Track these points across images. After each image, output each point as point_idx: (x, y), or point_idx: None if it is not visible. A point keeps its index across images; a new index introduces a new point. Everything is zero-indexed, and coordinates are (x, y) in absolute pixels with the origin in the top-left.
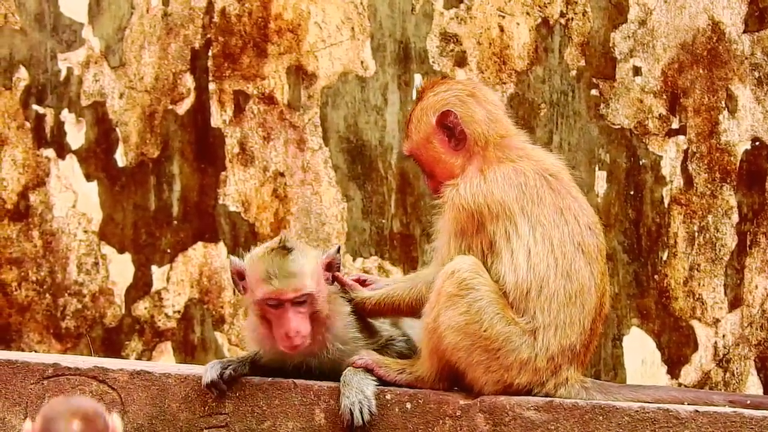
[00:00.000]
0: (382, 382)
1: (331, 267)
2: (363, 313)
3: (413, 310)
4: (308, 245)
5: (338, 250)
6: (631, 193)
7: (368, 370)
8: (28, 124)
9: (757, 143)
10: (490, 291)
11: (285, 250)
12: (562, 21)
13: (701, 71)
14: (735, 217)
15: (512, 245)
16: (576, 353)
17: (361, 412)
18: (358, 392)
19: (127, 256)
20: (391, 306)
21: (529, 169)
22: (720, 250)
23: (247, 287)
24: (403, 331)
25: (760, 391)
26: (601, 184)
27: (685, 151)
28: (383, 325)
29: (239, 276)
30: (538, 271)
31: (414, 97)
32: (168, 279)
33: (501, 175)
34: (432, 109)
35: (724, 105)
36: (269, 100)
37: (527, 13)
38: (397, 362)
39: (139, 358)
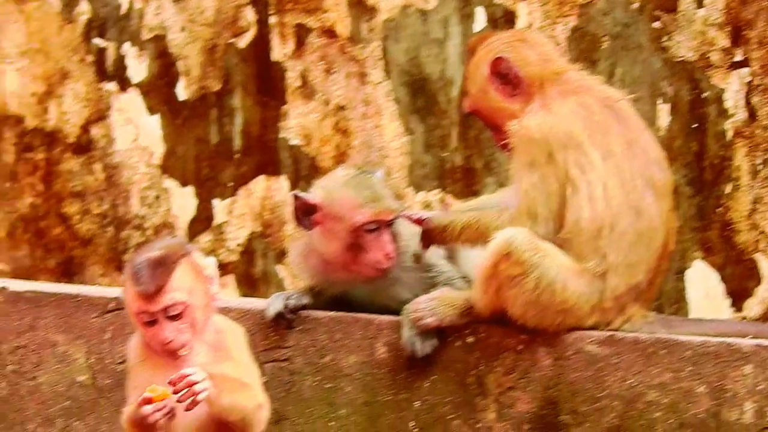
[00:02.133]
0: None
1: None
2: (439, 241)
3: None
4: None
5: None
6: (694, 126)
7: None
8: (89, 58)
9: None
10: (555, 257)
11: (368, 173)
12: None
13: (765, 2)
14: None
15: (588, 176)
16: (641, 291)
17: (423, 345)
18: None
19: (189, 190)
20: (473, 235)
21: (592, 101)
22: None
23: (321, 220)
24: (463, 272)
25: None
26: (663, 117)
27: (749, 84)
28: (441, 261)
29: (307, 211)
30: (612, 205)
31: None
32: (230, 212)
33: (565, 108)
34: (484, 60)
35: None
36: (330, 33)
37: None
38: (456, 315)
39: None
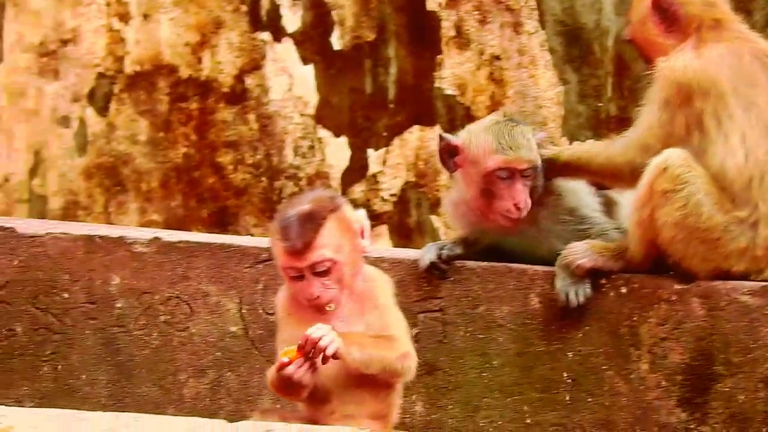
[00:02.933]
0: None
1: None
2: (552, 173)
3: (603, 174)
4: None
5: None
6: None
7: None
8: (243, 8)
9: None
10: (706, 182)
11: (513, 122)
12: None
13: None
14: None
15: (725, 128)
16: None
17: (576, 295)
18: (574, 275)
19: (344, 140)
20: (580, 166)
21: (744, 50)
22: None
23: (461, 163)
24: (617, 223)
25: None
26: None
27: None
28: (595, 213)
29: (450, 153)
30: (757, 156)
31: None
32: (384, 162)
33: (715, 53)
34: None
35: None
36: None
37: None
38: (610, 257)
39: None
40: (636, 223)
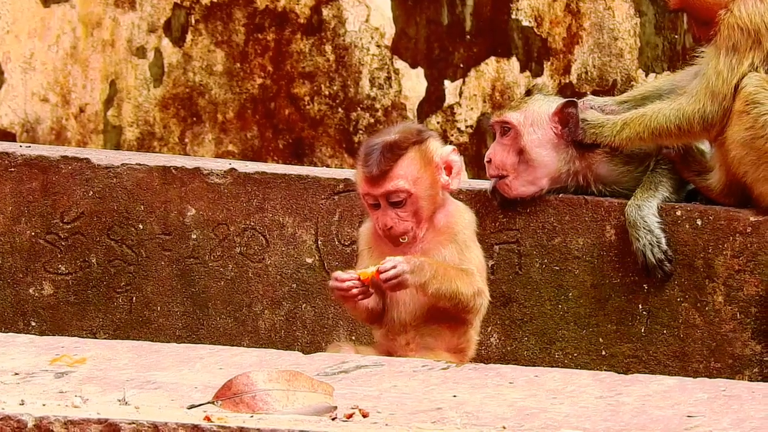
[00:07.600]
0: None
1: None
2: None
3: (669, 129)
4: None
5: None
6: None
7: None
8: None
9: None
10: None
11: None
12: None
13: None
14: None
15: None
16: None
17: (653, 253)
18: (646, 233)
19: (420, 71)
20: (648, 134)
21: None
22: None
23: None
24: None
25: None
26: None
27: None
28: None
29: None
30: None
31: None
32: (460, 94)
33: None
34: None
35: None
36: None
37: None
38: (696, 164)
39: None
40: (714, 141)
